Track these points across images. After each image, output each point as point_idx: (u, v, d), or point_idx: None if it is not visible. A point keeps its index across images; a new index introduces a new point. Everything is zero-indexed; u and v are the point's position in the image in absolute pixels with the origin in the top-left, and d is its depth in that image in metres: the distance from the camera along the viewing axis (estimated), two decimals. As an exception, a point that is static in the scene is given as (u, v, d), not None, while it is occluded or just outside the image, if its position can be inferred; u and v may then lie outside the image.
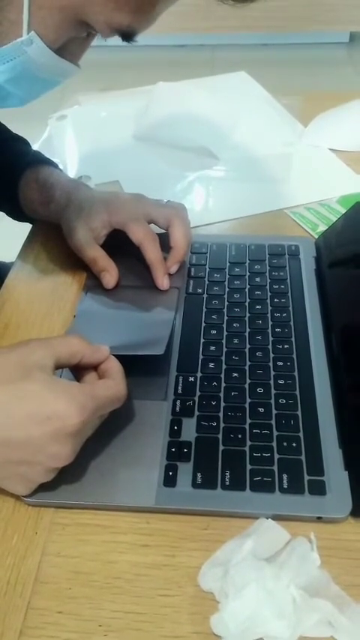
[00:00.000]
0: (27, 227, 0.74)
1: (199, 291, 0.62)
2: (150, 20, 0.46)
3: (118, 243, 0.62)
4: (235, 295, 0.61)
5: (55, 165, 0.72)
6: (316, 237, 0.69)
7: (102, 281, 0.61)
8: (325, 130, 0.90)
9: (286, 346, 0.55)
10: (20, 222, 0.75)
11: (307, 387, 0.51)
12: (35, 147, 0.77)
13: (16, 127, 0.78)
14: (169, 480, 0.45)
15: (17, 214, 0.72)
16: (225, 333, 0.56)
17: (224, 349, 0.55)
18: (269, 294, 0.61)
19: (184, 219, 0.63)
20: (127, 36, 0.47)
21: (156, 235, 0.61)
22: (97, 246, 0.62)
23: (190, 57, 3.14)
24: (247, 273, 0.63)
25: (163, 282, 0.60)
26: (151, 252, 0.60)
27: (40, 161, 0.71)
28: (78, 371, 0.47)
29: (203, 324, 0.58)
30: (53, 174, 0.69)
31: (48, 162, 0.72)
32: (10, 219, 0.75)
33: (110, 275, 0.61)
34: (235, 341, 0.56)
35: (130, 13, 0.44)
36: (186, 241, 0.62)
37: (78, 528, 0.43)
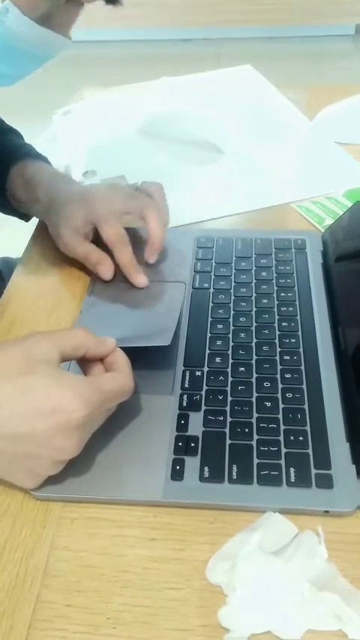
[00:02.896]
0: (33, 223, 0.74)
1: (206, 285, 0.62)
2: None
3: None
4: (241, 289, 0.61)
5: (45, 160, 0.72)
6: (323, 230, 0.69)
7: (98, 274, 0.61)
8: (331, 123, 0.90)
9: (292, 340, 0.55)
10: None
11: (314, 381, 0.51)
12: (40, 143, 0.77)
13: (20, 123, 0.78)
14: (177, 474, 0.45)
15: (8, 209, 0.72)
16: (231, 327, 0.56)
17: (231, 343, 0.55)
18: (276, 288, 0.61)
19: (156, 208, 0.61)
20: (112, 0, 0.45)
21: (126, 235, 0.60)
22: (85, 242, 0.62)
23: (196, 51, 3.13)
24: (254, 268, 0.63)
25: (138, 280, 0.60)
26: (121, 255, 0.60)
27: (29, 156, 0.70)
28: (84, 364, 0.47)
29: (210, 319, 0.58)
30: (40, 171, 0.68)
31: (37, 157, 0.71)
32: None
33: (104, 267, 0.61)
34: (242, 335, 0.55)
35: None
36: (160, 231, 0.61)
37: (86, 522, 0.44)
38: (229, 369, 0.52)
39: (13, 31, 0.45)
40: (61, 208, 0.63)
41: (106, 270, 0.61)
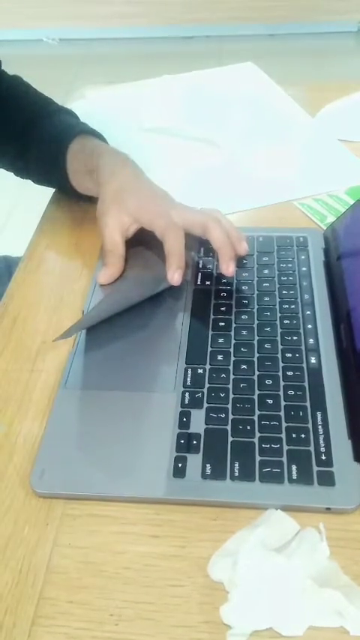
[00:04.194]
0: (35, 221, 0.74)
1: (208, 283, 0.62)
2: None
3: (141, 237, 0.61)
4: (243, 287, 0.61)
5: (102, 138, 0.72)
6: (325, 228, 0.69)
7: (100, 273, 0.61)
8: (333, 120, 0.90)
9: (294, 338, 0.55)
10: (27, 216, 0.75)
11: (315, 378, 0.51)
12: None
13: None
14: (179, 472, 0.45)
15: (66, 187, 0.71)
16: (233, 325, 0.57)
17: (233, 341, 0.55)
18: (277, 285, 0.61)
19: (219, 220, 0.60)
20: None
21: (181, 229, 0.58)
22: (118, 239, 0.60)
23: (198, 48, 3.13)
24: (256, 265, 0.63)
25: (173, 275, 0.57)
26: (170, 243, 0.57)
27: (88, 132, 0.71)
28: None
29: (212, 317, 0.58)
30: (99, 145, 0.69)
31: (95, 134, 0.71)
32: (20, 213, 0.75)
33: (107, 271, 0.60)
34: (244, 333, 0.56)
35: None
36: (225, 240, 0.58)
37: (88, 519, 0.44)
38: (230, 367, 0.52)
39: None
40: (119, 192, 0.61)
41: (105, 276, 0.60)
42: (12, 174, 0.79)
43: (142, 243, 0.62)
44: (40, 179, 0.76)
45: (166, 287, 0.59)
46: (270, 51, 2.87)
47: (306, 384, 0.51)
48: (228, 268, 0.58)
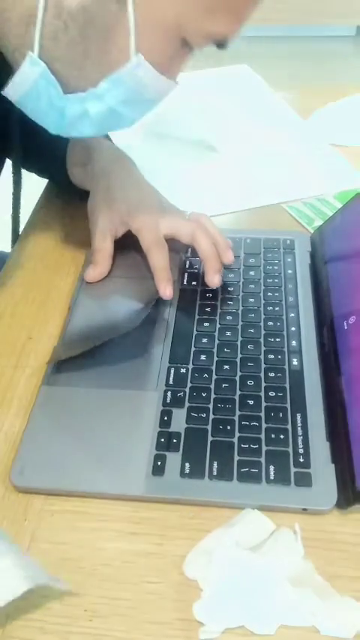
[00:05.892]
0: (25, 216, 0.74)
1: (194, 283, 0.62)
2: (241, 25, 0.47)
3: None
4: (228, 288, 0.61)
5: (107, 136, 0.72)
6: (312, 232, 0.69)
7: (86, 270, 0.61)
8: (325, 124, 0.90)
9: (277, 339, 0.55)
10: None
11: (296, 381, 0.51)
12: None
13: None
14: (158, 470, 0.45)
15: (63, 180, 0.71)
16: (218, 325, 0.57)
17: (216, 341, 0.55)
18: (263, 287, 0.61)
19: (207, 228, 0.61)
20: (221, 44, 0.50)
21: (165, 244, 0.59)
22: (109, 237, 0.61)
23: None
24: (242, 267, 0.64)
25: (165, 290, 0.58)
26: (155, 259, 0.59)
27: None
28: None
29: (196, 317, 0.58)
30: (100, 140, 0.69)
31: None
32: (12, 210, 0.75)
33: (94, 270, 0.60)
34: (228, 333, 0.56)
35: (224, 23, 0.47)
36: (212, 250, 0.59)
37: (67, 516, 0.44)
38: (213, 367, 0.53)
39: (142, 82, 0.48)
40: (110, 192, 0.62)
41: (92, 274, 0.61)
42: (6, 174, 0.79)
43: (132, 243, 0.62)
44: (42, 170, 0.77)
45: (153, 302, 0.58)
46: (268, 53, 2.87)
47: (287, 385, 0.51)
48: (213, 280, 0.59)
